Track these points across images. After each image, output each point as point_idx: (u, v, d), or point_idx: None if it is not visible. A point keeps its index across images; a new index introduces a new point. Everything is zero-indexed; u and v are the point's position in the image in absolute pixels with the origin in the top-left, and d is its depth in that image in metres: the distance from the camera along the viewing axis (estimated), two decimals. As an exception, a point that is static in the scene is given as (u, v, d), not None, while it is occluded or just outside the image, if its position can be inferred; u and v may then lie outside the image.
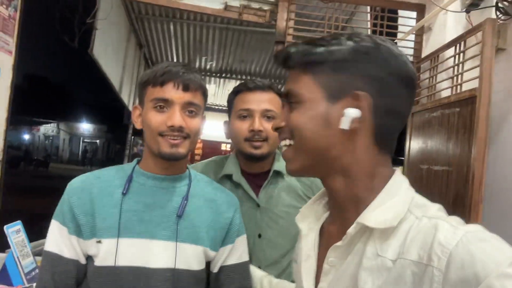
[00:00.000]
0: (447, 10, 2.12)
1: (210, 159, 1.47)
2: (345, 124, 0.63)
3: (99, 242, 0.99)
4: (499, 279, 0.48)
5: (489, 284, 0.48)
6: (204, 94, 1.08)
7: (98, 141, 24.48)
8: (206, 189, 1.13)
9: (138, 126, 1.08)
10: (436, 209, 0.62)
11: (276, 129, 0.72)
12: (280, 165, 1.33)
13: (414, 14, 2.63)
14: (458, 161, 1.85)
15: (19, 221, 1.57)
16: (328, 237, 0.72)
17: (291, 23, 2.56)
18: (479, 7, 1.99)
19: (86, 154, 23.58)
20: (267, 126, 1.25)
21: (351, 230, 0.62)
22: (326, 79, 0.65)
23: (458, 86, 1.94)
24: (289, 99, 0.69)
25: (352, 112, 0.62)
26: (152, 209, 1.03)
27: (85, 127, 25.16)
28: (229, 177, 1.33)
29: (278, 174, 1.33)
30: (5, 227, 1.49)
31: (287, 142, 0.70)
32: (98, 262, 0.99)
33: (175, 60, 6.32)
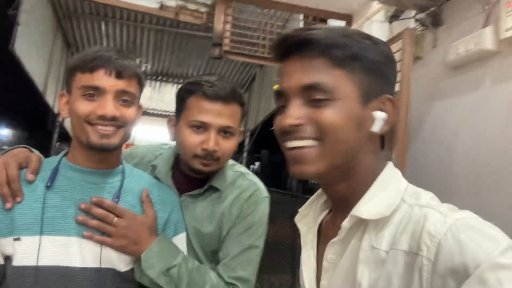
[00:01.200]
0: (371, 20, 2.28)
1: (160, 143, 1.34)
2: (377, 127, 0.62)
3: (17, 239, 0.91)
4: (492, 271, 0.46)
5: (481, 277, 0.46)
6: (140, 82, 1.02)
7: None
8: (142, 186, 1.07)
9: (64, 114, 1.00)
10: (429, 197, 0.61)
11: (290, 127, 0.62)
12: (218, 181, 1.18)
13: (343, 23, 2.79)
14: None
15: None
16: (327, 235, 0.70)
17: (228, 26, 2.58)
18: (400, 18, 2.16)
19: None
20: (223, 144, 1.11)
21: (345, 223, 0.62)
22: (360, 78, 0.61)
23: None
24: (313, 94, 0.61)
25: (383, 116, 0.62)
26: (78, 205, 0.97)
27: (3, 133, 22.99)
28: (154, 168, 1.22)
29: (214, 190, 1.19)
30: None
31: (309, 142, 0.61)
32: (17, 261, 0.90)
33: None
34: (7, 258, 0.92)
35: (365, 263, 0.59)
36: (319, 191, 0.78)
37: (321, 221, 0.75)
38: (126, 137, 1.01)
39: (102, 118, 0.93)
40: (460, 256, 0.48)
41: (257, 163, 11.92)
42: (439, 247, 0.50)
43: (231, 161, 1.27)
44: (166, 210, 1.09)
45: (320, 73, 0.61)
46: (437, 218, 0.53)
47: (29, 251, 0.91)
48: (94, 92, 0.94)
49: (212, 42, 2.55)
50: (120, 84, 0.95)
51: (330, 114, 0.60)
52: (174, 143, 1.26)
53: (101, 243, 0.96)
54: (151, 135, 9.74)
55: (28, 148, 1.04)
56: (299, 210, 0.79)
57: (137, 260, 1.00)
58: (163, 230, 1.06)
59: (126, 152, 1.28)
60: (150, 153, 1.29)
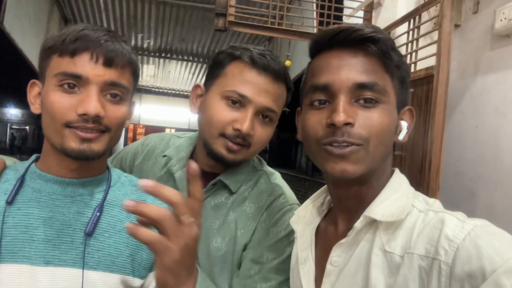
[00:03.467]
0: (399, -17, 1.98)
1: (175, 132, 1.13)
2: (402, 136, 0.65)
3: None
4: (507, 275, 0.46)
5: (496, 280, 0.47)
6: (135, 73, 0.81)
7: (27, 127, 22.61)
8: (132, 195, 0.86)
9: (35, 109, 0.78)
10: (438, 204, 0.62)
11: (343, 125, 0.60)
12: (231, 178, 0.96)
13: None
14: (412, 146, 1.74)
15: None
16: (326, 237, 0.70)
17: (233, -6, 2.29)
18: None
19: (14, 141, 21.71)
20: (260, 130, 0.91)
21: (358, 224, 0.62)
22: (398, 86, 0.64)
23: (413, 65, 1.82)
24: (365, 93, 0.61)
25: (406, 125, 0.66)
26: (49, 225, 0.76)
27: (12, 112, 23.10)
28: (168, 159, 1.01)
29: (225, 187, 0.97)
30: None
31: (358, 142, 0.61)
32: None
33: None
34: None
35: (379, 267, 0.59)
36: (318, 192, 0.79)
37: (319, 224, 0.75)
38: (113, 142, 0.79)
39: (84, 118, 0.72)
40: (478, 261, 0.49)
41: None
42: (457, 252, 0.51)
43: (256, 157, 1.05)
44: None
45: (376, 73, 0.61)
46: (455, 223, 0.54)
47: None
48: (74, 82, 0.73)
49: (215, 12, 2.27)
50: (109, 74, 0.74)
51: (379, 116, 0.61)
52: (189, 133, 1.05)
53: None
54: (156, 114, 9.63)
55: None
56: (295, 211, 0.80)
57: None
58: None
59: (136, 144, 1.08)
60: (163, 143, 1.07)
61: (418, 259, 0.55)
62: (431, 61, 1.63)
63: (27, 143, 20.99)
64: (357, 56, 0.62)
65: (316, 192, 0.80)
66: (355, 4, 2.49)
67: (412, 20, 1.84)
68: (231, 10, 2.30)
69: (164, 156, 1.02)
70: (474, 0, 1.73)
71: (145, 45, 5.90)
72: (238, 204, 0.96)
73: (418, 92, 1.70)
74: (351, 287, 0.62)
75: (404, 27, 1.96)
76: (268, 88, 0.90)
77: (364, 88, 0.61)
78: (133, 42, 5.79)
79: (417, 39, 1.80)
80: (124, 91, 0.77)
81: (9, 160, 0.83)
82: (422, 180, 1.60)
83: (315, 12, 2.77)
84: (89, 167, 0.81)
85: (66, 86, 0.72)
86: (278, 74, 0.90)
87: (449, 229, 0.54)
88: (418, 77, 1.70)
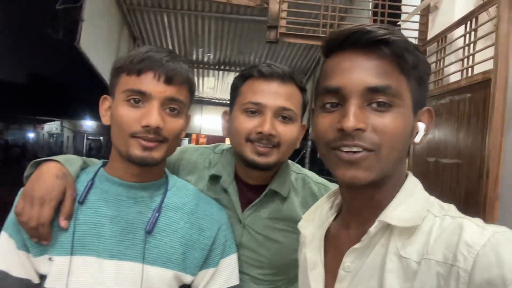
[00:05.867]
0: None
1: (212, 145, 1.19)
2: (419, 138, 0.63)
3: (50, 259, 0.82)
4: None
5: None
6: (191, 90, 0.90)
7: (101, 138, 24.45)
8: (187, 200, 0.94)
9: (105, 121, 0.89)
10: (454, 209, 0.61)
11: (353, 130, 0.59)
12: (282, 184, 1.03)
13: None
14: (469, 153, 1.65)
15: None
16: (337, 242, 0.69)
17: (285, 6, 2.36)
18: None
19: (91, 151, 23.56)
20: (281, 129, 0.96)
21: (372, 229, 0.60)
22: (415, 87, 0.61)
23: (469, 69, 1.74)
24: (378, 97, 0.59)
25: (424, 128, 0.63)
26: (115, 223, 0.85)
27: (89, 124, 25.16)
28: (216, 177, 1.08)
29: (276, 194, 1.04)
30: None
31: (369, 148, 0.59)
32: (48, 283, 0.82)
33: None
34: (42, 277, 0.84)
35: (394, 273, 0.57)
36: (326, 195, 0.77)
37: (328, 228, 0.73)
38: (170, 151, 0.89)
39: (146, 129, 0.81)
40: (498, 268, 0.48)
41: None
42: (477, 258, 0.50)
43: (290, 162, 1.10)
44: (214, 228, 0.94)
45: (390, 76, 0.59)
46: (475, 229, 0.53)
47: (60, 273, 0.82)
48: (139, 98, 0.82)
49: (267, 25, 2.35)
50: (169, 91, 0.83)
51: (392, 121, 0.59)
52: (226, 145, 1.12)
53: None
54: (216, 124, 9.95)
55: (61, 163, 0.88)
56: (303, 216, 0.78)
57: None
58: (209, 250, 0.92)
59: (175, 156, 1.15)
60: (203, 159, 1.15)
61: (436, 265, 0.54)
62: (489, 65, 1.55)
63: (102, 152, 22.70)
64: (369, 58, 0.59)
65: (324, 196, 0.78)
66: (411, 9, 2.43)
67: (468, 22, 1.76)
68: (282, 22, 2.36)
69: (213, 175, 1.08)
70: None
71: (205, 59, 6.16)
72: (292, 210, 1.03)
73: (475, 97, 1.62)
74: None
75: (461, 30, 1.88)
76: (278, 90, 0.97)
77: (376, 91, 0.58)
78: (194, 56, 6.08)
79: (474, 42, 1.72)
80: (181, 105, 0.86)
81: (78, 162, 0.93)
82: (480, 189, 1.52)
83: (370, 19, 2.74)
84: (150, 173, 0.90)
85: (132, 101, 0.82)
86: (284, 76, 0.98)
87: (468, 235, 0.52)
88: (475, 82, 1.63)
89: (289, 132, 0.98)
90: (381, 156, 0.59)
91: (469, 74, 1.73)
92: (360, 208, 0.66)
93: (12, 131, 23.71)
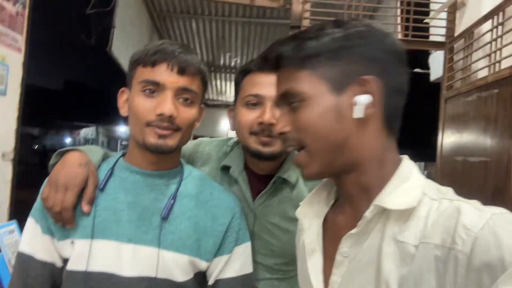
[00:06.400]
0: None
1: (225, 138, 1.23)
2: (358, 113, 0.61)
3: (72, 243, 0.87)
4: None
5: None
6: (203, 80, 0.93)
7: (134, 142, 25.04)
8: (201, 188, 0.97)
9: (123, 112, 0.94)
10: (452, 192, 0.60)
11: (280, 134, 0.67)
12: (290, 172, 1.07)
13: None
14: (498, 151, 1.60)
15: (13, 221, 1.50)
16: (335, 228, 0.69)
17: (308, 6, 2.37)
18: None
19: (123, 155, 24.17)
20: None
21: (368, 213, 0.60)
22: (326, 70, 0.62)
23: (497, 64, 1.69)
24: (289, 100, 0.65)
25: (364, 99, 0.60)
26: (133, 209, 0.89)
27: (122, 129, 25.91)
28: (227, 168, 1.12)
29: (284, 182, 1.07)
30: (-5, 227, 1.41)
31: (296, 148, 0.65)
32: (70, 265, 0.87)
33: (199, 58, 6.24)
34: (65, 261, 0.89)
35: (391, 257, 0.57)
36: (323, 182, 0.78)
37: (325, 215, 0.74)
38: (184, 140, 0.92)
39: (160, 117, 0.85)
40: (497, 250, 0.48)
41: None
42: (475, 241, 0.50)
43: None
44: (228, 215, 0.96)
45: (287, 81, 0.64)
46: (473, 212, 0.53)
47: (81, 255, 0.86)
48: (154, 88, 0.86)
49: (290, 25, 2.37)
50: (182, 81, 0.87)
51: (303, 115, 0.62)
52: (234, 138, 1.16)
53: None
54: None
55: (84, 152, 0.94)
56: (300, 203, 0.79)
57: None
58: (223, 238, 0.94)
59: (189, 149, 1.20)
60: (217, 150, 1.19)
61: (434, 248, 0.54)
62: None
63: (133, 157, 23.20)
64: (276, 73, 0.69)
65: (321, 182, 0.78)
66: (438, 6, 2.39)
67: (495, 16, 1.72)
68: (305, 22, 2.37)
69: (224, 166, 1.12)
70: None
71: (232, 63, 6.26)
72: (302, 197, 1.03)
73: (503, 93, 1.58)
74: (362, 278, 0.61)
75: (488, 25, 1.83)
76: (275, 80, 0.99)
77: (284, 97, 0.66)
78: (221, 61, 6.19)
79: (501, 36, 1.67)
80: (194, 95, 0.89)
81: (100, 152, 0.98)
82: (508, 186, 1.47)
83: (399, 18, 2.71)
84: (166, 161, 0.94)
85: (147, 91, 0.86)
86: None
87: (466, 218, 0.52)
88: (502, 77, 1.58)
89: None
90: (310, 150, 0.63)
91: (496, 69, 1.68)
92: (350, 194, 0.67)
93: (50, 136, 24.80)
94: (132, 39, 4.20)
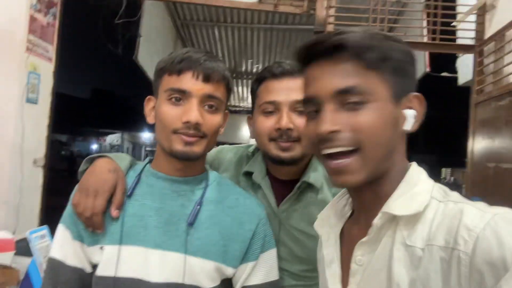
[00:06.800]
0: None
1: (245, 145, 1.23)
2: (409, 125, 0.63)
3: (101, 248, 0.88)
4: None
5: None
6: (228, 87, 0.93)
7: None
8: (227, 194, 0.97)
9: (150, 120, 0.95)
10: (457, 194, 0.61)
11: (328, 133, 0.62)
12: (314, 176, 1.05)
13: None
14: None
15: (45, 226, 1.54)
16: (351, 238, 0.69)
17: (332, 11, 2.36)
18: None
19: (148, 162, 24.60)
20: (299, 122, 0.98)
21: (376, 221, 0.61)
22: (392, 78, 0.62)
23: (531, 67, 1.63)
24: (348, 98, 0.61)
25: (412, 113, 0.63)
26: (159, 215, 0.90)
27: (146, 136, 26.43)
28: (250, 174, 1.11)
29: (309, 186, 1.06)
30: (27, 232, 1.45)
31: (346, 148, 0.61)
32: (99, 271, 0.88)
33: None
34: (95, 267, 0.90)
35: (401, 262, 0.58)
36: (340, 193, 0.78)
37: (343, 225, 0.74)
38: (210, 146, 0.93)
39: (187, 125, 0.86)
40: (499, 250, 0.48)
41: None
42: (477, 241, 0.50)
43: None
44: (254, 221, 0.95)
45: (354, 76, 0.61)
46: (475, 213, 0.53)
47: (110, 261, 0.87)
48: (180, 96, 0.87)
49: (314, 30, 2.36)
50: (207, 88, 0.87)
51: (367, 117, 0.60)
52: (255, 145, 1.15)
53: None
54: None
55: (113, 159, 0.96)
56: (317, 215, 0.79)
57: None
58: (249, 244, 0.94)
59: (212, 156, 1.20)
60: (238, 157, 1.19)
61: (439, 250, 0.54)
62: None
63: (157, 163, 23.60)
64: (335, 63, 0.62)
65: (338, 193, 0.78)
66: (467, 8, 2.33)
67: (528, 18, 1.66)
68: (330, 27, 2.36)
69: (246, 172, 1.12)
70: None
71: (255, 70, 6.29)
72: (326, 202, 1.02)
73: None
74: (375, 285, 0.61)
75: (520, 27, 1.77)
76: (290, 85, 0.99)
77: (345, 93, 0.60)
78: (244, 68, 6.23)
79: (535, 38, 1.61)
80: (219, 102, 0.90)
81: (127, 159, 0.99)
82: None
83: (425, 21, 2.66)
84: (192, 168, 0.94)
85: (173, 99, 0.87)
86: (293, 71, 0.99)
87: (468, 218, 0.52)
88: (537, 80, 1.52)
89: None
90: (366, 154, 0.60)
91: (531, 72, 1.62)
92: (365, 203, 0.67)
93: (77, 143, 25.54)
94: (157, 47, 4.29)
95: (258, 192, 1.09)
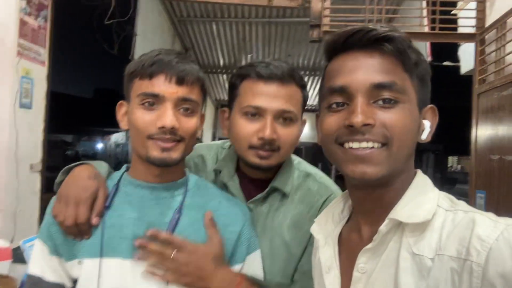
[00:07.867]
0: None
1: (221, 141, 1.19)
2: (425, 135, 0.64)
3: (79, 262, 0.86)
4: None
5: None
6: (203, 88, 0.90)
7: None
8: (209, 198, 0.95)
9: (123, 126, 0.92)
10: (464, 203, 0.60)
11: (362, 126, 0.60)
12: (284, 181, 1.02)
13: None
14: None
15: (38, 234, 1.51)
16: (350, 244, 0.69)
17: (328, 3, 2.30)
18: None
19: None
20: (283, 132, 0.94)
21: (383, 227, 0.60)
22: (418, 85, 0.62)
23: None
24: (384, 93, 0.59)
25: (429, 124, 0.65)
26: (137, 225, 0.87)
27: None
28: (218, 172, 1.08)
29: (276, 190, 1.03)
30: (21, 242, 1.42)
31: (378, 145, 0.60)
32: (80, 285, 0.86)
33: (221, 61, 6.28)
34: (75, 282, 0.88)
35: (408, 271, 0.57)
36: (337, 198, 0.78)
37: (340, 231, 0.73)
38: (188, 150, 0.90)
39: (162, 130, 0.83)
40: None
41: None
42: (490, 252, 0.49)
43: (295, 158, 1.08)
44: (238, 223, 0.94)
45: (394, 73, 0.60)
46: (487, 223, 0.52)
47: (91, 274, 0.85)
48: (153, 100, 0.84)
49: (310, 24, 2.31)
50: (181, 91, 0.84)
51: (399, 116, 0.59)
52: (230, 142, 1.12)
53: (164, 281, 0.85)
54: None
55: (92, 165, 0.94)
56: (315, 220, 0.78)
57: None
58: (235, 246, 0.92)
59: (191, 156, 1.14)
60: (212, 154, 1.15)
61: (449, 260, 0.53)
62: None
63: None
64: (373, 56, 0.60)
65: (335, 198, 0.78)
66: (466, -4, 2.26)
67: (530, 4, 1.59)
68: (325, 20, 2.31)
69: (215, 170, 1.08)
70: None
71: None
72: (291, 207, 1.01)
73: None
74: None
75: (522, 14, 1.71)
76: (278, 93, 0.94)
77: (382, 88, 0.59)
78: (243, 62, 6.15)
79: (537, 25, 1.55)
80: (194, 104, 0.87)
81: (106, 167, 0.96)
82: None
83: (425, 11, 2.60)
84: (170, 173, 0.91)
85: (146, 104, 0.84)
86: (284, 77, 0.94)
87: (481, 229, 0.52)
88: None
89: (290, 134, 0.96)
90: (392, 151, 0.59)
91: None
92: (370, 208, 0.66)
93: (83, 143, 25.66)
94: (154, 45, 4.24)
95: (228, 191, 1.06)
